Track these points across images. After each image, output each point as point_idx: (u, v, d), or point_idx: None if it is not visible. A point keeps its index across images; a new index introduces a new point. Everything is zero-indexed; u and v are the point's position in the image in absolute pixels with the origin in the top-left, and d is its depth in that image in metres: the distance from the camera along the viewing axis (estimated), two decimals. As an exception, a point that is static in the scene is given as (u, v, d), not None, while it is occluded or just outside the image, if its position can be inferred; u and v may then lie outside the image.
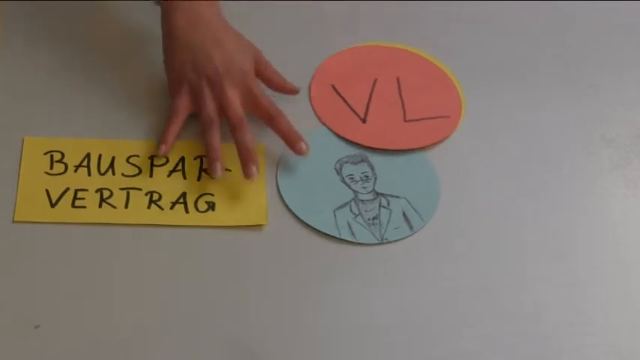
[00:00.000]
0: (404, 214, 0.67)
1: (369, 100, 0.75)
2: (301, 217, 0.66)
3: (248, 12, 0.81)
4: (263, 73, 0.72)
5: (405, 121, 0.74)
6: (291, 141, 0.68)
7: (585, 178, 0.71)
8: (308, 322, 0.62)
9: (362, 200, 0.67)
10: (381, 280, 0.64)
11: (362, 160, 0.70)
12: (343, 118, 0.74)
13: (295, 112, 0.73)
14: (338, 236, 0.65)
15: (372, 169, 0.69)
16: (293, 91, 0.72)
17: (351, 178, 0.68)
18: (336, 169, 0.69)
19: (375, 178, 0.69)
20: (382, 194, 0.68)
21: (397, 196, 0.68)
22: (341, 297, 0.63)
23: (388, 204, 0.67)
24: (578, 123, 0.75)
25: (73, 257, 0.63)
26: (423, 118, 0.74)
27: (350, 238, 0.65)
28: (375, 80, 0.77)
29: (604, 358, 0.61)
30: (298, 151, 0.68)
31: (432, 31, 0.81)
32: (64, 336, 0.59)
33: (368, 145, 0.71)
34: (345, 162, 0.70)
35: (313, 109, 0.74)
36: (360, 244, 0.65)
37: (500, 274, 0.65)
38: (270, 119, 0.69)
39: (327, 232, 0.65)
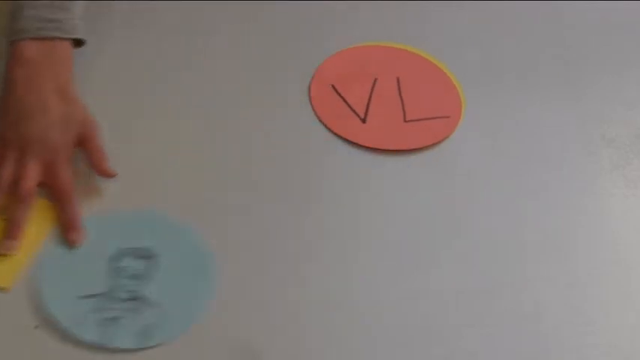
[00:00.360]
0: (148, 326, 0.59)
1: (369, 100, 0.75)
2: (43, 292, 0.60)
3: (248, 12, 0.81)
4: (86, 148, 0.67)
5: (405, 121, 0.74)
6: (68, 228, 0.64)
7: (585, 178, 0.71)
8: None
9: (113, 297, 0.60)
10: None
11: (145, 257, 0.63)
12: (343, 118, 0.74)
13: (295, 112, 0.74)
14: (61, 325, 0.59)
15: (151, 269, 0.62)
16: (109, 175, 0.66)
17: (123, 270, 0.62)
18: (111, 255, 0.63)
19: (147, 281, 0.62)
20: (141, 298, 0.61)
21: (156, 305, 0.60)
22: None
23: (138, 310, 0.60)
24: (578, 123, 0.75)
25: None
26: (422, 119, 0.74)
27: (71, 331, 0.58)
28: (375, 80, 0.77)
29: (604, 358, 0.61)
30: (70, 241, 0.63)
31: (432, 31, 0.81)
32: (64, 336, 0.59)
33: (368, 145, 0.72)
34: (128, 253, 0.63)
35: (313, 109, 0.74)
36: (81, 343, 0.59)
37: (501, 274, 0.65)
38: (59, 199, 0.65)
39: (54, 316, 0.59)
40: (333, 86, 0.76)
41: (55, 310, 0.60)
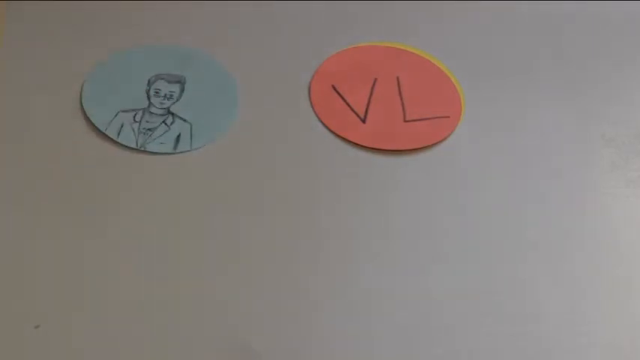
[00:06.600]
0: (178, 136, 0.70)
1: (369, 100, 0.75)
2: (84, 103, 0.71)
3: (248, 12, 0.81)
4: None
5: (405, 121, 0.74)
6: None
7: (585, 178, 0.71)
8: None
9: (150, 112, 0.71)
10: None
11: (178, 82, 0.74)
12: (343, 118, 0.74)
13: (295, 112, 0.74)
14: (102, 130, 0.70)
15: (183, 91, 0.73)
16: None
17: (157, 93, 0.72)
18: (150, 79, 0.74)
19: (178, 99, 0.73)
20: (173, 114, 0.71)
21: (185, 120, 0.71)
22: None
23: (172, 123, 0.71)
24: (577, 122, 0.75)
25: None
26: (422, 119, 0.74)
27: (112, 136, 0.70)
28: (375, 80, 0.77)
29: (604, 358, 0.61)
30: None
31: (432, 31, 0.81)
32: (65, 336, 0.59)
33: (367, 145, 0.72)
34: (162, 78, 0.74)
35: (313, 109, 0.74)
36: (118, 143, 0.70)
37: (500, 274, 0.65)
38: None
39: (95, 123, 0.70)
40: (333, 86, 0.76)
41: (97, 120, 0.70)
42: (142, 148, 0.70)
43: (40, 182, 0.67)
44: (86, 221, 0.65)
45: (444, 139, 0.73)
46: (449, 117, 0.74)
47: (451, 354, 0.61)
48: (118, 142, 0.70)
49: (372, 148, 0.72)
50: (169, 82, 0.74)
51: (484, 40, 0.81)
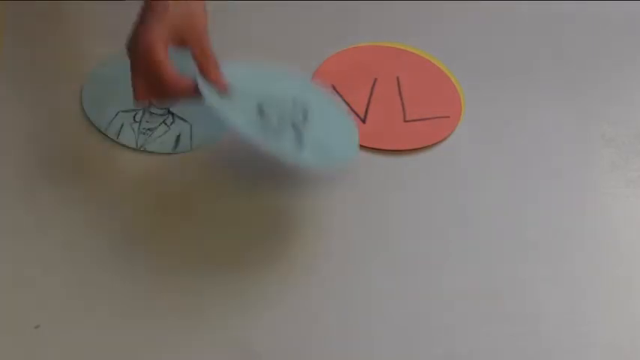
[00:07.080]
0: (178, 136, 0.70)
1: (369, 100, 0.75)
2: (84, 104, 0.71)
3: (248, 12, 0.81)
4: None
5: (405, 121, 0.74)
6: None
7: (585, 178, 0.72)
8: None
9: (150, 112, 0.71)
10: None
11: None
12: (343, 118, 0.74)
13: (295, 112, 0.74)
14: (102, 130, 0.70)
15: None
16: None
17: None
18: None
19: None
20: (173, 114, 0.72)
21: (185, 120, 0.71)
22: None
23: (172, 123, 0.71)
24: (577, 122, 0.75)
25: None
26: (422, 119, 0.74)
27: (112, 136, 0.70)
28: (375, 80, 0.77)
29: (604, 358, 0.61)
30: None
31: (432, 31, 0.81)
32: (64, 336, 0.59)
33: (367, 145, 0.71)
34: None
35: (313, 109, 0.74)
36: (118, 143, 0.70)
37: (500, 274, 0.65)
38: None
39: (95, 123, 0.71)
40: (333, 86, 0.76)
41: (97, 121, 0.70)
42: (142, 148, 0.70)
43: (40, 182, 0.67)
44: (86, 221, 0.65)
45: (444, 139, 0.73)
46: (449, 117, 0.74)
47: (451, 354, 0.61)
48: (118, 142, 0.70)
49: (372, 148, 0.72)
50: None
51: (484, 40, 0.81)
